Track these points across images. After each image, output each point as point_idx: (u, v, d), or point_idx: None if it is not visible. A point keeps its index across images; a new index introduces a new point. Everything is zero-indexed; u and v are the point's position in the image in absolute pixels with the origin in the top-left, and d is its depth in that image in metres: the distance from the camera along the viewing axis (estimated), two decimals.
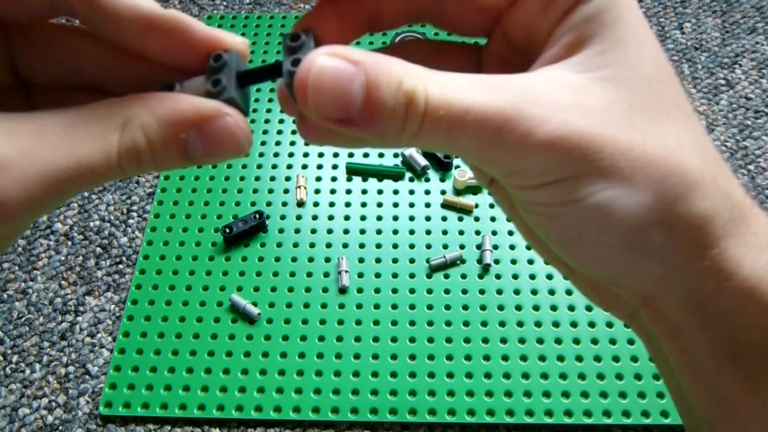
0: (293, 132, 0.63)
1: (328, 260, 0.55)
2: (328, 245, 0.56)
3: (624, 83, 0.17)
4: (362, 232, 0.57)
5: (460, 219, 0.57)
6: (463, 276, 0.54)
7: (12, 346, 0.51)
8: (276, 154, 0.62)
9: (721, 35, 0.70)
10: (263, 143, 0.63)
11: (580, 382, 0.48)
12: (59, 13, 0.18)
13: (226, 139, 0.18)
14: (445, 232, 0.56)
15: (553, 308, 0.52)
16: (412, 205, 0.58)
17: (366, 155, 0.62)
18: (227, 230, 0.55)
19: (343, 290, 0.53)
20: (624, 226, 0.17)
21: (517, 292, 0.53)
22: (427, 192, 0.59)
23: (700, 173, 0.17)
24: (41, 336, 0.52)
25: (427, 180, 0.60)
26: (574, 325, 0.51)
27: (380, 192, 0.59)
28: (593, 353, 0.49)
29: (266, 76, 0.19)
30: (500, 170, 0.18)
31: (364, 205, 0.58)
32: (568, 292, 0.53)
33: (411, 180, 0.60)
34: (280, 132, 0.64)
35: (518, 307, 0.52)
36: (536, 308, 0.52)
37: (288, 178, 0.60)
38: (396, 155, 0.62)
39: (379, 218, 0.57)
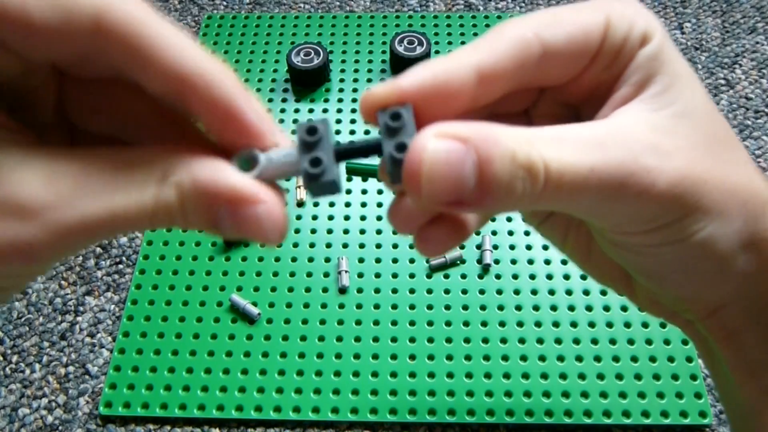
0: (293, 132, 0.63)
1: (328, 260, 0.55)
2: (328, 245, 0.56)
3: (693, 116, 0.18)
4: (362, 232, 0.57)
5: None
6: (463, 276, 0.54)
7: (12, 346, 0.51)
8: None
9: (721, 35, 0.70)
10: None
11: (580, 382, 0.48)
12: (91, 62, 0.17)
13: (255, 228, 0.17)
14: None
15: (553, 308, 0.52)
16: None
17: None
18: None
19: (343, 290, 0.53)
20: (721, 253, 0.19)
21: (517, 292, 0.53)
22: None
23: (766, 194, 0.19)
24: (41, 336, 0.52)
25: None
26: (574, 325, 0.51)
27: (380, 192, 0.59)
28: (593, 353, 0.49)
29: (366, 154, 0.17)
30: (614, 222, 0.19)
31: (364, 205, 0.58)
32: (568, 293, 0.53)
33: None
34: None
35: (518, 307, 0.52)
36: (536, 308, 0.52)
37: (288, 179, 0.60)
38: None
39: (379, 218, 0.57)
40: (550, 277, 0.53)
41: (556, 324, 0.51)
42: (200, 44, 0.17)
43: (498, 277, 0.54)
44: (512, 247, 0.55)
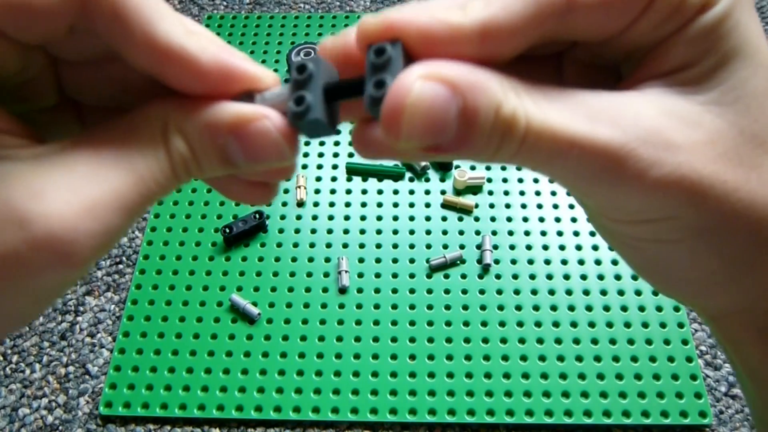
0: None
1: (328, 260, 0.55)
2: (328, 245, 0.56)
3: (733, 106, 0.16)
4: (362, 232, 0.57)
5: (460, 219, 0.57)
6: (463, 276, 0.54)
7: (12, 346, 0.51)
8: None
9: None
10: None
11: (580, 382, 0.48)
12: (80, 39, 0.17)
13: (265, 143, 0.16)
14: (445, 232, 0.56)
15: (553, 308, 0.52)
16: (412, 205, 0.58)
17: None
18: (227, 230, 0.55)
19: (343, 290, 0.53)
20: (713, 266, 0.17)
21: (517, 292, 0.53)
22: (427, 192, 0.59)
23: None
24: (41, 336, 0.52)
25: (427, 180, 0.60)
26: (574, 325, 0.51)
27: (380, 192, 0.59)
28: (593, 353, 0.49)
29: (355, 92, 0.16)
30: (596, 203, 0.17)
31: (364, 205, 0.58)
32: (568, 293, 0.53)
33: (411, 180, 0.60)
34: None
35: (518, 307, 0.52)
36: (536, 308, 0.52)
37: (288, 178, 0.60)
38: None
39: (379, 218, 0.57)
40: (550, 277, 0.53)
41: (556, 324, 0.51)
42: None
43: (498, 277, 0.54)
44: (512, 247, 0.55)
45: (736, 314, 0.19)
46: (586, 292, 0.53)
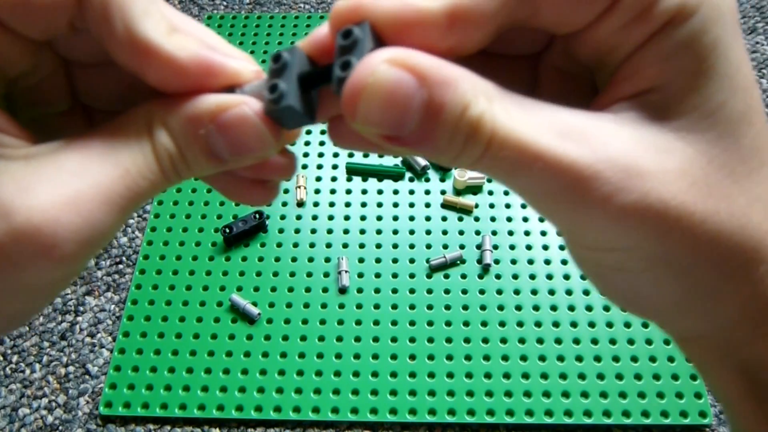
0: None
1: (328, 260, 0.55)
2: (328, 245, 0.56)
3: (707, 133, 0.15)
4: (362, 232, 0.57)
5: (460, 219, 0.57)
6: (463, 276, 0.54)
7: (12, 346, 0.51)
8: None
9: None
10: None
11: (580, 382, 0.48)
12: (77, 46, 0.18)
13: (245, 130, 0.16)
14: (445, 232, 0.56)
15: (553, 308, 0.52)
16: (412, 205, 0.58)
17: (366, 155, 0.62)
18: (227, 230, 0.55)
19: (343, 290, 0.53)
20: (677, 296, 0.16)
21: (517, 292, 0.53)
22: (427, 192, 0.59)
23: (761, 238, 0.16)
24: (41, 336, 0.52)
25: (427, 180, 0.60)
26: (574, 325, 0.51)
27: (380, 192, 0.59)
28: (593, 353, 0.49)
29: (327, 78, 0.16)
30: (559, 225, 0.17)
31: (364, 205, 0.58)
32: (568, 293, 0.53)
33: (411, 180, 0.60)
34: None
35: (518, 307, 0.52)
36: (536, 308, 0.52)
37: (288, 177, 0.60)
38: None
39: (379, 218, 0.57)
40: (550, 277, 0.53)
41: (556, 324, 0.51)
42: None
43: (498, 277, 0.54)
44: (512, 247, 0.55)
45: (702, 339, 0.18)
46: (586, 292, 0.53)
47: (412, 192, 0.59)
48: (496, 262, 0.54)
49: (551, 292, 0.53)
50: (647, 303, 0.18)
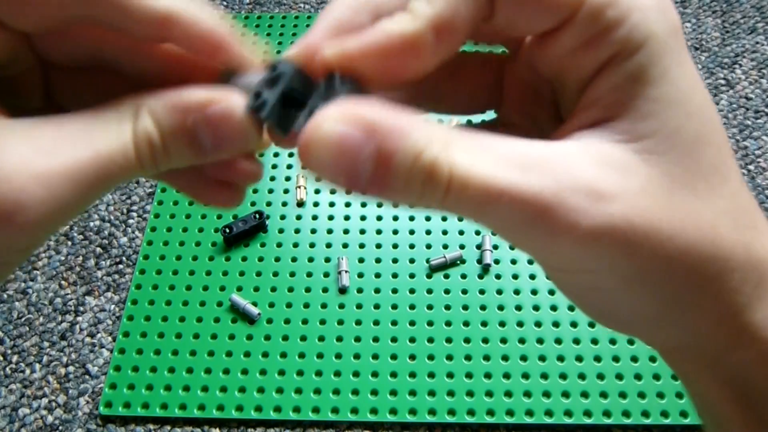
0: None
1: (328, 260, 0.55)
2: (328, 245, 0.56)
3: (667, 154, 0.16)
4: (362, 232, 0.57)
5: (460, 219, 0.57)
6: (463, 276, 0.54)
7: (12, 346, 0.51)
8: (276, 154, 0.62)
9: (721, 35, 0.70)
10: None
11: (580, 382, 0.48)
12: (78, 20, 0.18)
13: (230, 124, 0.17)
14: (445, 232, 0.56)
15: (553, 308, 0.52)
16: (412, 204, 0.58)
17: None
18: (227, 230, 0.55)
19: (343, 290, 0.53)
20: (652, 310, 0.17)
21: (517, 292, 0.53)
22: None
23: (731, 249, 0.16)
24: (41, 336, 0.52)
25: None
26: (574, 325, 0.51)
27: None
28: (593, 353, 0.49)
29: (302, 108, 0.17)
30: (531, 253, 0.17)
31: (364, 205, 0.58)
32: None
33: None
34: None
35: (518, 307, 0.52)
36: (536, 308, 0.52)
37: (288, 178, 0.60)
38: None
39: (379, 218, 0.57)
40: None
41: (556, 324, 0.51)
42: None
43: (498, 277, 0.54)
44: (512, 247, 0.55)
45: (683, 349, 0.19)
46: None
47: None
48: (496, 262, 0.54)
49: (551, 292, 0.53)
50: (625, 318, 0.18)
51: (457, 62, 0.20)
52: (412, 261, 0.55)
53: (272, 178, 0.60)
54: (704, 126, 0.16)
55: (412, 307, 0.52)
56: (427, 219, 0.57)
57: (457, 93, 0.21)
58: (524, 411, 0.47)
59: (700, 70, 0.68)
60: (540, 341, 0.50)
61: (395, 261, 0.55)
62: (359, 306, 0.52)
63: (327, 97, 0.16)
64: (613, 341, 0.50)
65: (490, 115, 0.22)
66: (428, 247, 0.55)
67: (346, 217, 0.57)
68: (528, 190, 0.15)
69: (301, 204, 0.58)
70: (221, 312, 0.52)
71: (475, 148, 0.15)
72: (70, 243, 0.57)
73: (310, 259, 0.55)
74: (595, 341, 0.50)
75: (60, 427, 0.48)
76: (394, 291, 0.53)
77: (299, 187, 0.59)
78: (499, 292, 0.53)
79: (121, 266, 0.55)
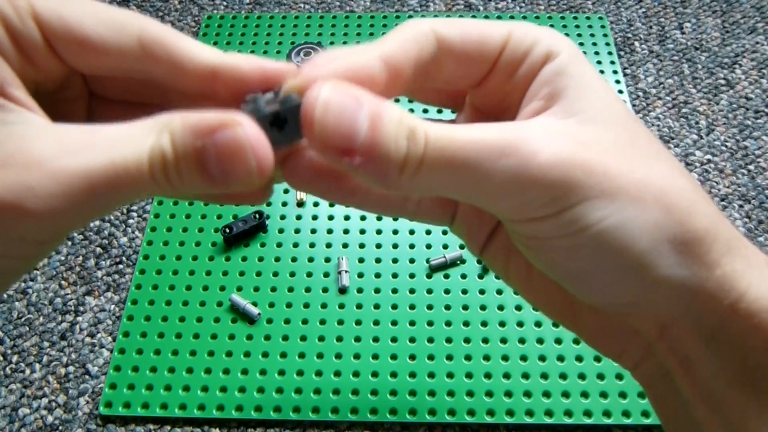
0: None
1: (328, 260, 0.55)
2: (328, 245, 0.56)
3: (605, 123, 0.19)
4: (362, 232, 0.57)
5: None
6: (463, 276, 0.54)
7: (12, 346, 0.51)
8: None
9: (721, 35, 0.70)
10: None
11: (580, 382, 0.48)
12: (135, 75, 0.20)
13: (235, 150, 0.17)
14: (445, 232, 0.56)
15: None
16: None
17: None
18: (227, 230, 0.55)
19: (343, 290, 0.53)
20: (638, 246, 0.18)
21: (517, 292, 0.53)
22: None
23: (693, 194, 0.19)
24: (41, 336, 0.52)
25: None
26: None
27: None
28: (593, 353, 0.49)
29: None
30: (505, 204, 0.19)
31: None
32: None
33: None
34: None
35: (518, 307, 0.52)
36: (536, 308, 0.52)
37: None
38: None
39: (379, 218, 0.57)
40: None
41: (556, 324, 0.51)
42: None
43: (498, 277, 0.54)
44: None
45: (682, 319, 0.19)
46: None
47: None
48: None
49: None
50: (598, 281, 0.19)
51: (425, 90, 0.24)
52: (412, 261, 0.55)
53: None
54: (629, 116, 0.20)
55: (412, 307, 0.52)
56: None
57: (426, 101, 0.25)
58: (524, 411, 0.47)
59: (699, 71, 0.68)
60: (540, 341, 0.50)
61: (395, 261, 0.55)
62: (359, 306, 0.52)
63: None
64: None
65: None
66: (428, 247, 0.55)
67: (346, 217, 0.58)
68: (490, 135, 0.17)
69: (301, 204, 0.58)
70: (221, 312, 0.52)
71: (439, 124, 0.18)
72: (70, 243, 0.57)
73: (310, 259, 0.55)
74: None
75: (60, 427, 0.48)
76: (394, 291, 0.53)
77: None
78: (499, 292, 0.53)
79: (121, 266, 0.55)
